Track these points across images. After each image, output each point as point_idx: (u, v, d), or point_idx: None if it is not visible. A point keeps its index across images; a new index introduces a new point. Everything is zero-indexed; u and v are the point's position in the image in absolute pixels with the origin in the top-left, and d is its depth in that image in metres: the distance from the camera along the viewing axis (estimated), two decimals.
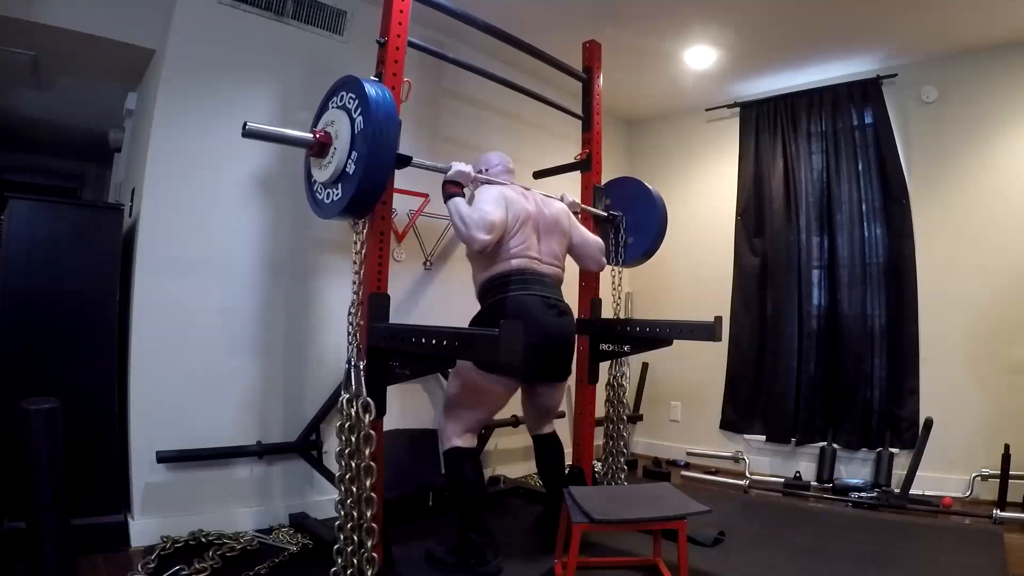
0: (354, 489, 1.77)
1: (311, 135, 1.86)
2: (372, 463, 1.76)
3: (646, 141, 4.67)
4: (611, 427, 2.85)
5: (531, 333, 2.10)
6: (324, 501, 2.66)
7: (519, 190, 2.34)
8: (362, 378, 1.81)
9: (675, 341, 2.65)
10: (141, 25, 2.58)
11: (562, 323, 2.29)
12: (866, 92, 3.58)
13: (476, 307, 3.26)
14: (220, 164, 2.52)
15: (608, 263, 2.77)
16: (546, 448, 2.47)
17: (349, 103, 1.79)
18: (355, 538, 1.77)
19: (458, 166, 2.16)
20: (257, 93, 2.63)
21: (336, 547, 1.81)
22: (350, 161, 1.75)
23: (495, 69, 2.65)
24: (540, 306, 2.20)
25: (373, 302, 1.94)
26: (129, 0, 2.58)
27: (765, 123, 3.94)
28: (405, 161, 1.96)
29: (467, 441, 2.21)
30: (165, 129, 2.42)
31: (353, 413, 1.78)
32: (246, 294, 2.56)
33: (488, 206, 2.12)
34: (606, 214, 2.90)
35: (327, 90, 1.96)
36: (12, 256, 2.15)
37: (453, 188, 2.15)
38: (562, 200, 2.54)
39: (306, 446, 2.57)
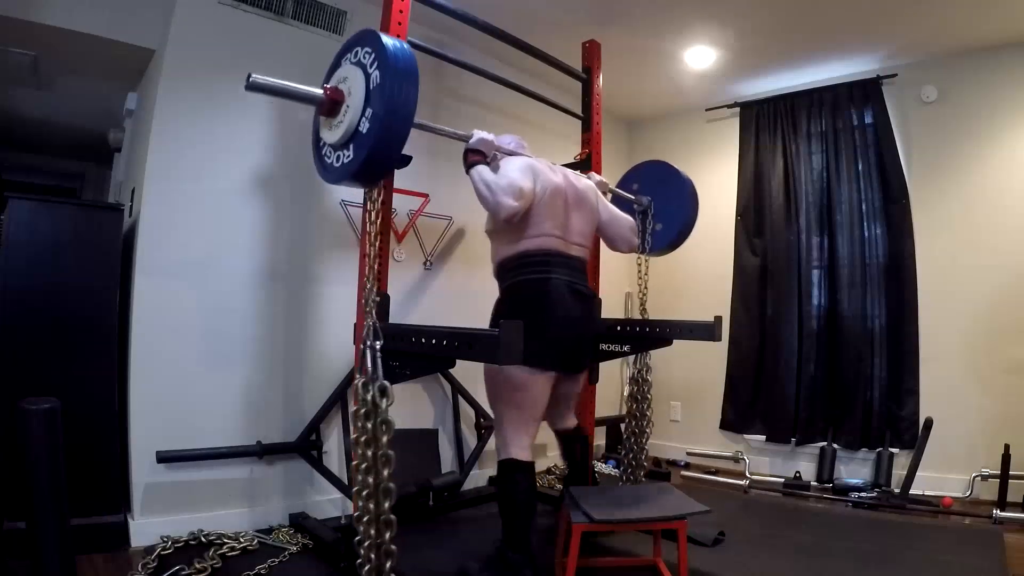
0: (370, 480, 1.67)
1: (321, 91, 1.72)
2: (390, 452, 1.66)
3: (646, 141, 4.67)
4: (633, 423, 2.74)
5: (557, 321, 1.99)
6: (324, 501, 2.67)
7: (546, 163, 2.19)
8: (379, 359, 1.69)
9: (675, 341, 2.65)
10: (141, 25, 2.58)
11: (588, 311, 2.16)
12: (866, 92, 3.58)
13: (477, 307, 3.27)
14: (220, 164, 2.52)
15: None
16: (573, 444, 2.37)
17: (364, 58, 1.65)
18: (372, 532, 1.68)
19: (480, 134, 2.04)
20: (257, 93, 2.62)
21: (357, 539, 1.72)
22: (364, 119, 1.61)
23: (495, 69, 2.65)
24: (566, 292, 2.04)
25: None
26: (129, 0, 2.58)
27: (765, 123, 3.94)
28: (405, 161, 1.94)
29: (522, 452, 2.01)
30: (165, 129, 2.42)
31: (369, 399, 1.67)
32: (246, 293, 2.56)
33: (515, 173, 1.98)
34: (633, 197, 2.78)
35: (340, 47, 1.85)
36: (12, 256, 2.15)
37: (475, 157, 2.01)
38: (589, 178, 2.44)
39: (306, 446, 2.57)
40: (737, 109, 4.09)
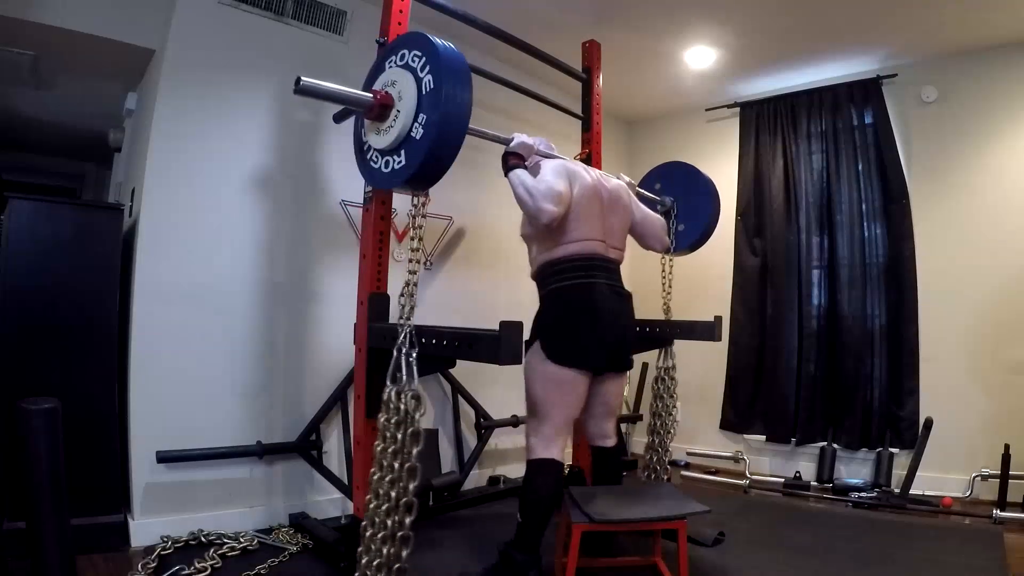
0: (393, 494, 1.60)
1: (370, 95, 1.69)
2: (418, 464, 1.61)
3: (646, 141, 4.66)
4: (658, 422, 2.71)
5: (604, 323, 2.01)
6: (324, 501, 2.67)
7: (580, 165, 2.23)
8: (414, 367, 1.65)
9: (675, 341, 2.65)
10: (141, 25, 2.58)
11: (628, 312, 2.21)
12: (866, 92, 3.58)
13: (477, 307, 3.28)
14: (220, 164, 2.52)
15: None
16: (605, 463, 2.28)
17: (413, 61, 1.63)
18: (384, 551, 1.60)
19: (520, 137, 2.07)
20: (257, 93, 2.63)
21: (365, 560, 1.65)
22: (416, 124, 1.58)
23: (495, 69, 2.65)
24: (609, 294, 2.07)
25: (373, 302, 1.94)
26: (129, 0, 2.58)
27: (765, 123, 3.94)
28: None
29: (551, 451, 1.99)
30: (165, 129, 2.42)
31: (402, 407, 1.61)
32: (246, 293, 2.56)
33: (551, 177, 1.98)
34: (658, 198, 2.78)
35: (382, 51, 1.82)
36: (12, 256, 2.15)
37: (515, 160, 2.03)
38: (618, 179, 2.44)
39: (306, 446, 2.57)
40: (737, 109, 4.09)
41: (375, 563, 1.60)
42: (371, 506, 1.64)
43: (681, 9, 3.03)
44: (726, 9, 3.02)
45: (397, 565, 1.59)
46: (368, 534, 1.64)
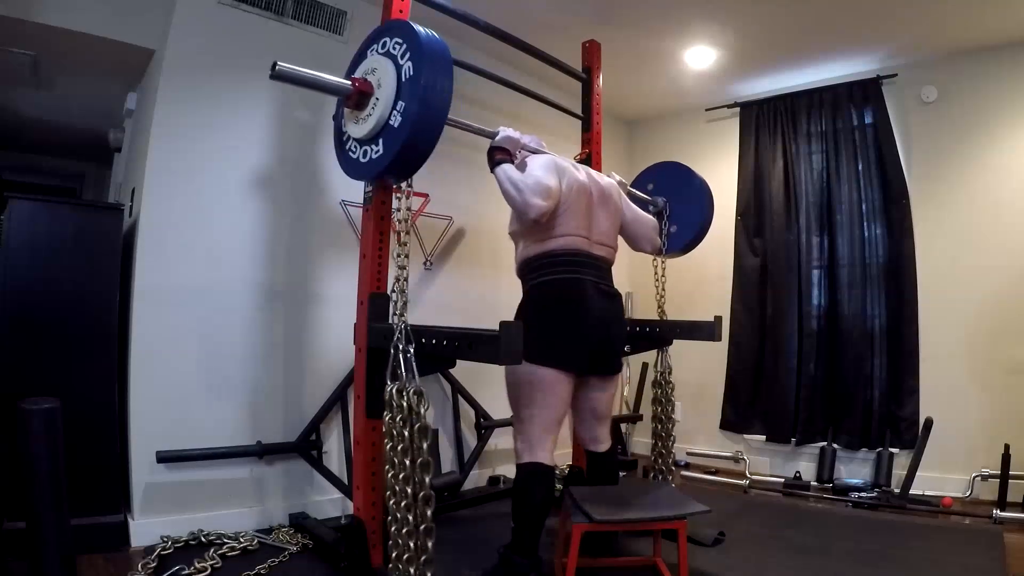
0: (409, 490, 1.61)
1: (349, 82, 1.65)
2: (430, 459, 1.62)
3: (646, 141, 4.67)
4: (659, 427, 2.70)
5: (587, 321, 1.95)
6: (324, 501, 2.67)
7: (569, 160, 2.18)
8: (412, 364, 1.63)
9: (675, 341, 2.64)
10: (141, 25, 2.58)
11: (616, 312, 2.11)
12: (866, 92, 3.58)
13: (477, 308, 3.28)
14: (220, 164, 2.52)
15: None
16: (598, 468, 2.21)
17: (394, 48, 1.61)
18: (411, 544, 1.62)
19: (506, 131, 2.01)
20: (257, 93, 2.63)
21: (395, 553, 1.67)
22: (395, 113, 1.56)
23: (495, 69, 2.65)
24: (594, 292, 2.01)
25: (373, 302, 1.94)
26: (129, 0, 2.58)
27: (765, 123, 3.94)
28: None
29: (539, 455, 1.93)
30: (165, 129, 2.42)
31: (405, 405, 1.61)
32: (246, 293, 2.56)
33: (540, 171, 1.94)
34: (650, 198, 2.75)
35: (365, 38, 1.80)
36: (12, 256, 2.15)
37: (501, 154, 1.97)
38: (610, 177, 2.40)
39: (306, 446, 2.57)
40: (737, 109, 4.09)
41: (404, 557, 1.62)
42: (391, 503, 1.65)
43: (681, 9, 3.03)
44: (726, 9, 3.02)
45: (424, 556, 1.60)
46: (392, 529, 1.65)
